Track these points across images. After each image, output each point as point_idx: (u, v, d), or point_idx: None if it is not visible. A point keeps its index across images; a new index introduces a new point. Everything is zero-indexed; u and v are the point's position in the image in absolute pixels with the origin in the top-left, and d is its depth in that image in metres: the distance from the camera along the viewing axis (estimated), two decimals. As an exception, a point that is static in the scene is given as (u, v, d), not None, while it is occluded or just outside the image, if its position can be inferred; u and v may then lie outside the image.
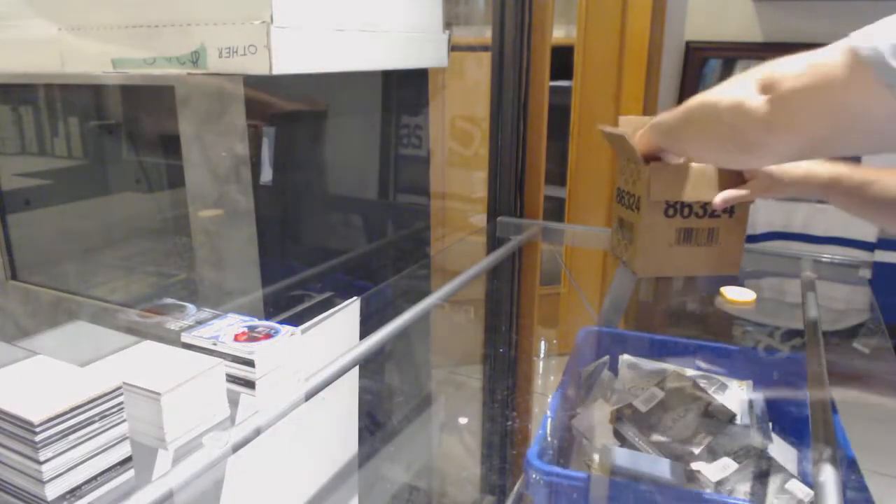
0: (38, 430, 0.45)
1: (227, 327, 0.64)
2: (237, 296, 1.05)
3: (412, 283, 1.18)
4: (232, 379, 0.60)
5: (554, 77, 1.40)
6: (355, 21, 0.75)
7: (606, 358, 1.04)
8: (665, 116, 0.80)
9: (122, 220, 1.23)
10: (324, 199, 1.20)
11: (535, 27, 1.28)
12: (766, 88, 0.57)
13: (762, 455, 0.82)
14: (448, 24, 0.94)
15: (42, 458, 0.45)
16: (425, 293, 0.91)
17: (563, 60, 1.89)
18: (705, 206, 0.98)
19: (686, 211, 0.98)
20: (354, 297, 0.77)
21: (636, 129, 1.02)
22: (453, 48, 0.98)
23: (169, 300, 1.02)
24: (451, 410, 1.39)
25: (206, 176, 1.02)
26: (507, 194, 1.34)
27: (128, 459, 0.51)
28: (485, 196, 1.36)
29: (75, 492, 0.47)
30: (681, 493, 0.70)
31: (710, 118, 0.64)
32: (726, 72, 1.72)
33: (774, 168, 0.87)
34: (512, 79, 1.28)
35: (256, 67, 0.63)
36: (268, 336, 0.63)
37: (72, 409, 0.46)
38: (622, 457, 0.82)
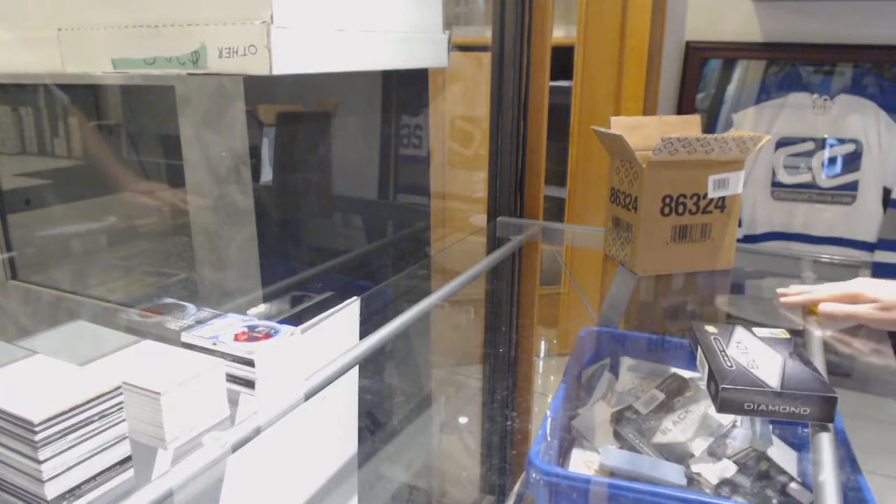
0: (37, 429, 0.45)
1: (227, 327, 0.64)
2: (237, 296, 1.05)
3: (412, 283, 1.18)
4: (232, 379, 0.60)
5: (554, 77, 1.41)
6: (355, 21, 0.75)
7: (607, 360, 1.04)
8: None
9: (122, 220, 1.23)
10: (324, 199, 1.20)
11: (535, 27, 1.28)
12: None
13: (762, 457, 0.82)
14: (448, 24, 0.94)
15: (42, 458, 0.45)
16: (425, 293, 0.91)
17: (563, 60, 1.89)
18: (698, 202, 0.99)
19: (680, 208, 0.99)
20: (354, 297, 0.77)
21: (629, 129, 1.03)
22: (453, 48, 0.98)
23: (169, 300, 1.02)
24: (451, 410, 1.39)
25: (206, 176, 1.02)
26: (507, 194, 1.34)
27: (127, 459, 0.51)
28: (485, 196, 1.36)
29: (75, 491, 0.47)
30: (681, 495, 0.70)
31: None
32: (726, 72, 1.72)
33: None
34: (512, 79, 1.28)
35: (256, 67, 0.63)
36: (268, 336, 0.63)
37: (71, 409, 0.46)
38: (622, 458, 0.82)
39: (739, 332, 0.76)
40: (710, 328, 0.77)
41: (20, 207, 1.26)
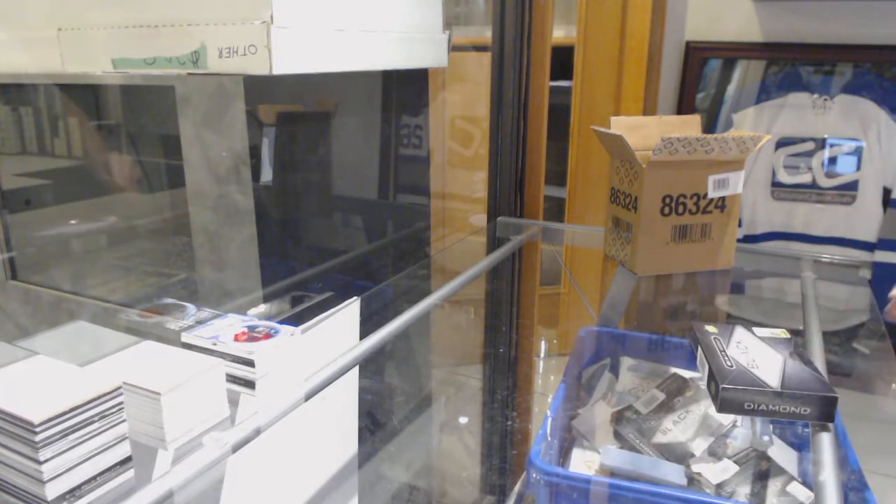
0: (38, 430, 0.45)
1: (227, 327, 0.64)
2: (237, 296, 1.05)
3: (412, 283, 1.18)
4: (232, 379, 0.60)
5: (554, 77, 1.41)
6: (355, 21, 0.75)
7: (607, 360, 1.04)
8: None
9: (123, 220, 1.23)
10: (324, 199, 1.20)
11: (535, 27, 1.28)
12: None
13: (763, 457, 0.82)
14: (448, 24, 0.94)
15: (42, 458, 0.45)
16: (425, 293, 0.91)
17: (563, 60, 1.89)
18: (698, 202, 0.99)
19: (680, 208, 0.99)
20: (354, 297, 0.77)
21: (629, 129, 1.03)
22: (453, 48, 0.98)
23: (169, 300, 1.02)
24: (451, 410, 1.39)
25: (206, 176, 1.02)
26: (507, 194, 1.34)
27: (128, 459, 0.51)
28: (485, 196, 1.36)
29: (75, 492, 0.47)
30: (681, 495, 0.70)
31: None
32: (726, 72, 1.72)
33: None
34: (512, 79, 1.28)
35: (256, 67, 0.63)
36: (268, 336, 0.62)
37: (72, 409, 0.46)
38: (623, 458, 0.82)
39: (739, 332, 0.76)
40: (711, 328, 0.77)
41: (20, 207, 1.26)
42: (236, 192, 1.00)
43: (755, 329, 0.77)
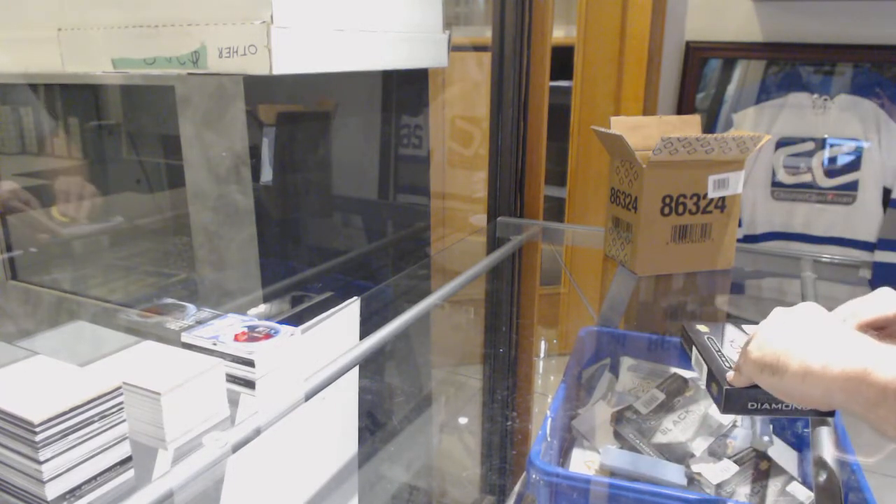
0: (38, 430, 0.44)
1: (227, 327, 0.64)
2: (237, 296, 1.05)
3: (412, 283, 1.18)
4: (232, 379, 0.60)
5: (554, 77, 1.40)
6: (355, 21, 0.75)
7: (607, 360, 1.04)
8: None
9: (123, 220, 1.23)
10: (324, 199, 1.20)
11: (535, 27, 1.28)
12: None
13: (763, 457, 0.82)
14: (448, 24, 0.94)
15: (42, 458, 0.45)
16: (425, 293, 0.91)
17: (563, 60, 1.89)
18: (698, 202, 0.99)
19: (680, 208, 0.99)
20: (354, 297, 0.77)
21: (629, 129, 1.03)
22: (453, 48, 0.98)
23: (169, 300, 1.02)
24: (451, 410, 1.39)
25: (206, 176, 1.02)
26: (507, 194, 1.34)
27: (128, 459, 0.51)
28: (485, 196, 1.36)
29: (75, 492, 0.47)
30: (681, 495, 0.70)
31: None
32: (726, 72, 1.72)
33: None
34: (512, 79, 1.28)
35: (256, 67, 0.63)
36: (268, 336, 0.62)
37: (72, 409, 0.46)
38: (623, 458, 0.82)
39: (731, 331, 0.76)
40: (702, 327, 0.77)
41: (21, 207, 1.26)
42: (236, 192, 1.00)
43: (744, 326, 0.77)
